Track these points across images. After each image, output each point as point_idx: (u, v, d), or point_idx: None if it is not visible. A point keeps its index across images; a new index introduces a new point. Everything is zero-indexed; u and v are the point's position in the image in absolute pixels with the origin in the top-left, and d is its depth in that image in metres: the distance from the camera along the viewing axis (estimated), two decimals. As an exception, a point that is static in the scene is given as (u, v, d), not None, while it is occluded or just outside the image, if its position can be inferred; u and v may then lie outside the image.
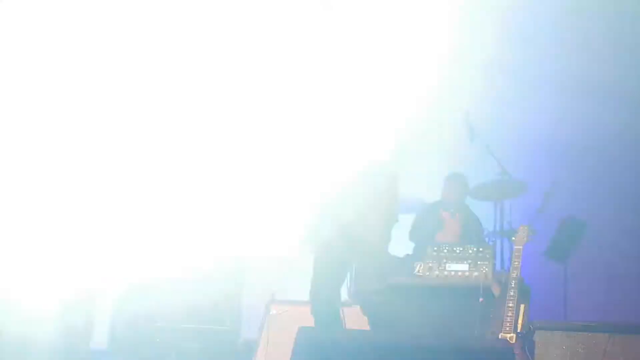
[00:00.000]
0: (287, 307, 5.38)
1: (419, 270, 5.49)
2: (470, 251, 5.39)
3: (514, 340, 4.70)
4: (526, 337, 4.81)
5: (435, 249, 5.45)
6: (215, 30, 4.81)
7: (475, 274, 5.32)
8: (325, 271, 4.48)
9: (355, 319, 5.20)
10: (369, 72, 4.72)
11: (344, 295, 6.09)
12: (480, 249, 5.38)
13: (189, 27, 4.96)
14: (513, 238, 5.18)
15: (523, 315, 4.87)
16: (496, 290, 5.04)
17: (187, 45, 5.14)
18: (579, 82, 7.60)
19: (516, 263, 5.00)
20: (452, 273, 5.36)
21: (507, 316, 4.83)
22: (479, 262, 5.35)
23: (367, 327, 4.49)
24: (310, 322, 5.19)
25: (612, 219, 7.20)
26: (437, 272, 5.39)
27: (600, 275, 7.18)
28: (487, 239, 6.11)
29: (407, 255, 5.95)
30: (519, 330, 4.79)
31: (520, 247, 5.06)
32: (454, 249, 5.41)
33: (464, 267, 5.36)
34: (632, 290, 7.09)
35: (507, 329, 4.79)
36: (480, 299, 5.13)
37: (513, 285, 4.90)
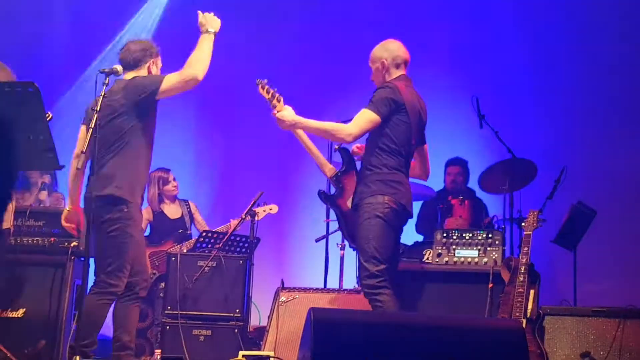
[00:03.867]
0: (296, 293, 5.38)
1: (427, 258, 5.47)
2: (479, 237, 5.37)
3: (523, 326, 4.69)
4: (536, 323, 4.80)
5: (445, 235, 5.43)
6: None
7: (485, 260, 5.30)
8: None
9: (365, 305, 5.21)
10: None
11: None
12: (490, 235, 5.36)
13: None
14: (523, 224, 5.17)
15: (533, 300, 4.86)
16: (506, 276, 5.02)
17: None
18: (590, 66, 7.59)
19: (526, 249, 4.99)
20: (462, 259, 5.35)
21: (517, 302, 4.82)
22: (488, 248, 5.33)
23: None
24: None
25: (621, 205, 7.18)
26: (446, 259, 5.38)
27: (610, 261, 7.16)
28: (496, 225, 6.09)
29: (416, 242, 5.94)
30: (528, 316, 4.79)
31: (530, 232, 5.05)
32: (464, 235, 5.39)
33: (473, 253, 5.35)
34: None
35: (517, 314, 4.78)
36: (490, 285, 5.11)
37: (523, 271, 4.89)
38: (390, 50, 4.61)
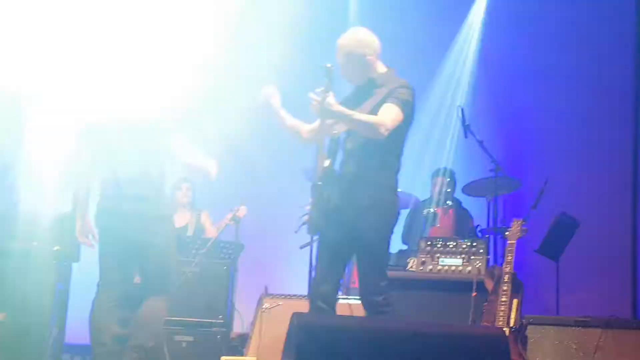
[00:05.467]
0: (280, 300, 5.37)
1: (412, 266, 5.49)
2: (464, 246, 5.39)
3: (507, 335, 4.70)
4: (519, 332, 4.81)
5: (429, 243, 5.45)
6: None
7: (469, 268, 5.32)
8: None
9: (348, 311, 5.21)
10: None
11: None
12: (474, 244, 5.39)
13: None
14: (506, 233, 5.18)
15: (516, 310, 4.87)
16: (489, 285, 5.03)
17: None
18: (573, 77, 7.64)
19: (509, 257, 5.00)
20: (446, 268, 5.36)
21: (500, 311, 4.84)
22: (472, 257, 5.36)
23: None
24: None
25: (604, 216, 7.22)
26: (430, 267, 5.39)
27: (593, 272, 7.20)
28: (480, 234, 6.11)
29: (401, 250, 5.95)
30: (511, 325, 4.80)
31: (514, 241, 5.07)
32: (448, 243, 5.41)
33: (457, 261, 5.36)
34: (624, 286, 7.12)
35: (500, 323, 4.79)
36: (474, 294, 5.13)
37: (506, 280, 4.91)
38: (368, 44, 4.15)
